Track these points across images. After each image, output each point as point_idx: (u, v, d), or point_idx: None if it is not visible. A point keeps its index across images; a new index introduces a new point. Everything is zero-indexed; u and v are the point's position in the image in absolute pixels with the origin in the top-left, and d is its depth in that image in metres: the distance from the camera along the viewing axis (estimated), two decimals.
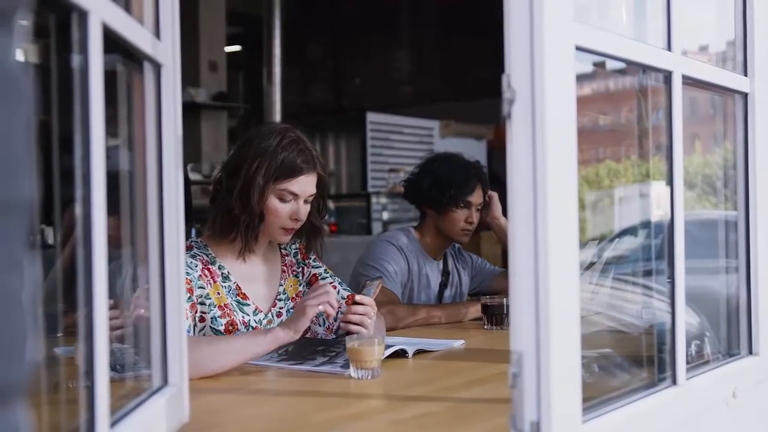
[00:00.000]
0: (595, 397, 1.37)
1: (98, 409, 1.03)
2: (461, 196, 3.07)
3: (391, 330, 2.76)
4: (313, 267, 2.52)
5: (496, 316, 2.72)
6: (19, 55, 0.67)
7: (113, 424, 1.11)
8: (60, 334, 1.36)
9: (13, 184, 0.63)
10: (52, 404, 1.17)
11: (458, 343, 2.42)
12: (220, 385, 1.91)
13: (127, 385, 1.42)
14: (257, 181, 2.24)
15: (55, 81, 1.09)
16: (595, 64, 1.54)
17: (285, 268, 2.47)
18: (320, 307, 2.08)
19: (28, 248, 0.65)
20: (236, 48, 10.26)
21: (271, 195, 2.27)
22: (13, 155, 0.63)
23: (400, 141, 8.54)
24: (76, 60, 1.05)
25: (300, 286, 2.48)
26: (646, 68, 1.61)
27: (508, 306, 2.71)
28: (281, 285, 2.44)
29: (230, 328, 2.25)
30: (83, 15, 1.03)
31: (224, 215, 2.29)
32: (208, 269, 2.27)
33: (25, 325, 0.64)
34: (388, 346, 2.09)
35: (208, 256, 2.31)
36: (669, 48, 1.57)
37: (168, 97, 1.41)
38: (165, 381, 1.41)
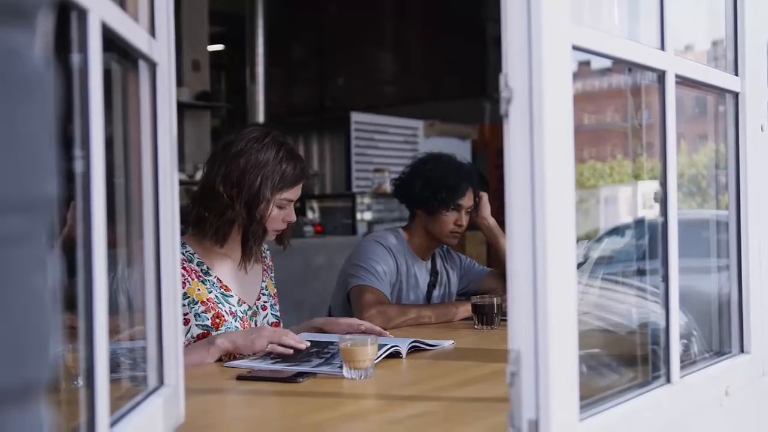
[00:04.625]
0: (591, 396, 1.38)
1: (98, 409, 1.02)
2: (452, 199, 3.07)
3: None
4: (274, 284, 2.61)
5: (487, 316, 2.72)
6: (42, 53, 0.67)
7: (112, 424, 1.10)
8: None
9: (38, 182, 0.63)
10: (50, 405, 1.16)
11: (449, 343, 2.43)
12: (215, 385, 1.91)
13: (122, 386, 1.42)
14: (265, 195, 2.33)
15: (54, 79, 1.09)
16: (581, 63, 1.54)
17: (265, 267, 2.56)
18: (269, 348, 2.15)
19: (50, 247, 0.65)
20: (219, 47, 10.24)
21: (273, 205, 2.36)
22: (38, 154, 0.62)
23: (385, 141, 8.53)
24: (74, 58, 1.04)
25: (274, 287, 2.59)
26: (640, 68, 1.62)
27: (498, 305, 2.73)
28: (263, 281, 2.53)
29: (217, 321, 2.31)
30: (83, 13, 1.02)
31: (226, 225, 2.34)
32: (185, 268, 2.31)
33: (48, 324, 0.63)
34: (380, 346, 2.09)
35: (185, 254, 2.34)
36: (662, 47, 1.58)
37: (163, 96, 1.40)
38: (161, 381, 1.40)
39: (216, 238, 2.35)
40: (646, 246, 1.85)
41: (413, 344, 2.27)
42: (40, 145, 0.63)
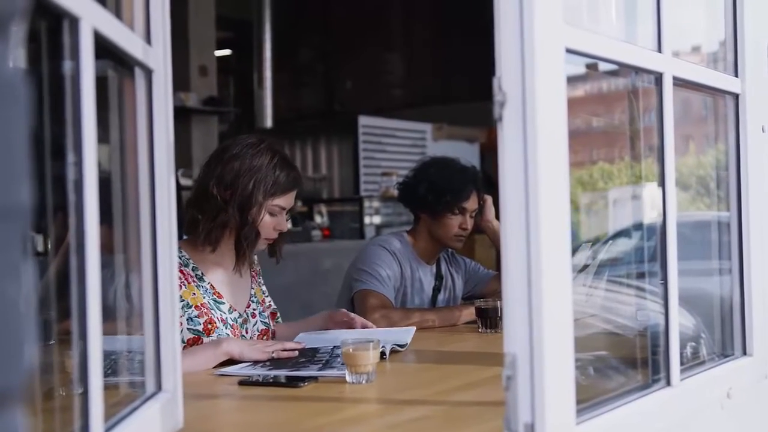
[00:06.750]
0: (589, 399, 1.38)
1: (92, 415, 1.03)
2: (457, 203, 3.06)
3: None
4: (265, 293, 2.62)
5: (490, 319, 2.72)
6: (17, 62, 0.67)
7: (108, 430, 1.11)
8: (52, 341, 1.36)
9: (11, 190, 0.64)
10: (42, 412, 1.16)
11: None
12: (214, 391, 1.91)
13: (120, 391, 1.42)
14: (257, 199, 2.35)
15: (46, 87, 1.09)
16: (588, 66, 1.54)
17: (254, 273, 2.58)
18: (272, 355, 2.19)
19: (25, 254, 0.66)
20: (227, 52, 10.24)
21: (265, 210, 2.37)
22: (11, 161, 0.63)
23: (393, 144, 8.52)
24: (67, 66, 1.05)
25: (263, 294, 2.61)
26: (636, 70, 1.62)
27: (502, 309, 2.71)
28: (252, 289, 2.55)
29: (209, 326, 2.33)
30: (74, 21, 1.03)
31: (219, 228, 2.36)
32: (181, 272, 2.33)
33: (23, 331, 0.64)
34: None
35: (181, 259, 2.36)
36: (659, 49, 1.57)
37: (159, 103, 1.41)
38: (159, 387, 1.41)
39: (208, 241, 2.36)
40: (652, 248, 1.85)
41: (393, 346, 2.31)
42: (14, 153, 0.64)
